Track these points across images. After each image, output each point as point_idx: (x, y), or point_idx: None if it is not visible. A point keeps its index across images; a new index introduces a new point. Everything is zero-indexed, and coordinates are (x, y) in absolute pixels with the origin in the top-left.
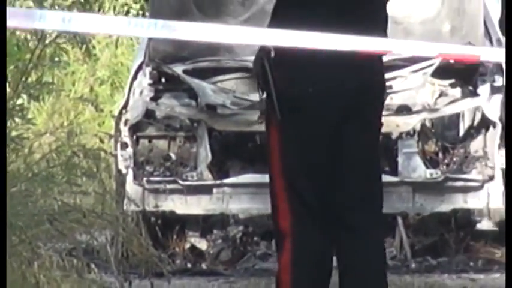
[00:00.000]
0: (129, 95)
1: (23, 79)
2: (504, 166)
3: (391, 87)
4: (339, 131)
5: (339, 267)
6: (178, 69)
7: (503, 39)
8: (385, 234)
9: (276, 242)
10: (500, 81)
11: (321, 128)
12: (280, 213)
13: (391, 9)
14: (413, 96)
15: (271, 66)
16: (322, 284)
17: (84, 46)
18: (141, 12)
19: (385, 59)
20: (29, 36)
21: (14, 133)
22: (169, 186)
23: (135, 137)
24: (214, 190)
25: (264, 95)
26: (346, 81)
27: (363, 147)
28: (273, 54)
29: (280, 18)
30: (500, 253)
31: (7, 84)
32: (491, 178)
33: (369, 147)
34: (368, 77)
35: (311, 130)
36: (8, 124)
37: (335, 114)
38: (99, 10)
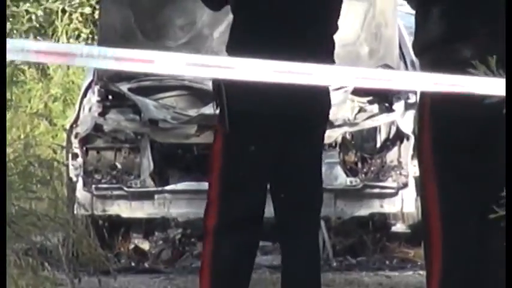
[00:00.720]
0: (79, 110)
1: None
2: (416, 174)
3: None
4: (284, 144)
5: (282, 265)
6: (123, 87)
7: (416, 61)
8: None
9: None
10: (413, 98)
11: (264, 141)
12: (209, 214)
13: None
14: (335, 111)
15: (225, 83)
16: (239, 283)
17: (39, 66)
18: (90, 36)
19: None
20: None
21: None
22: (115, 193)
23: (84, 148)
24: (156, 196)
25: (216, 109)
26: (292, 100)
27: (307, 159)
28: None
29: (235, 41)
30: (412, 253)
31: None
32: (405, 185)
33: (313, 159)
34: (312, 96)
35: (255, 143)
36: None
37: (280, 129)
38: (53, 34)
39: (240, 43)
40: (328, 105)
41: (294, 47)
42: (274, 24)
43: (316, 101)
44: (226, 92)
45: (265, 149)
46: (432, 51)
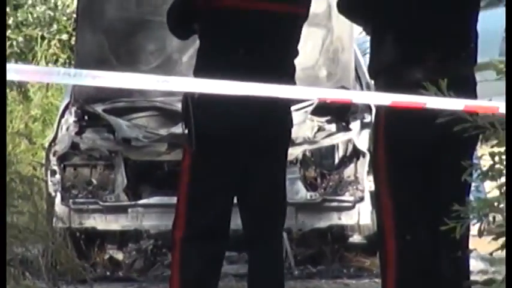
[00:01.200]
0: (57, 130)
1: None
2: (371, 189)
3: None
4: (249, 161)
5: (248, 273)
6: (98, 108)
7: (371, 83)
8: None
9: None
10: (368, 118)
11: (229, 159)
12: (176, 226)
13: None
14: (296, 130)
15: (193, 105)
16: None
17: (20, 89)
18: (67, 61)
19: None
20: None
21: None
22: (91, 207)
23: (62, 165)
24: (129, 210)
25: (184, 128)
26: (256, 120)
27: (272, 175)
28: (196, 95)
29: (201, 66)
30: (368, 262)
31: None
32: (361, 199)
33: (277, 174)
34: (275, 115)
35: (220, 161)
36: None
37: (244, 147)
38: (33, 59)
39: (207, 67)
40: (291, 124)
41: (257, 71)
42: (239, 50)
43: (279, 121)
44: (193, 113)
45: (231, 166)
46: (386, 74)
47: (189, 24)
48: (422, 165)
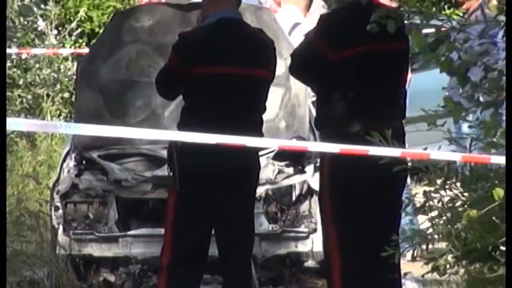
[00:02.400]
0: (60, 172)
1: None
2: None
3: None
4: (224, 199)
5: None
6: (94, 154)
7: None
8: None
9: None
10: None
11: (207, 197)
12: (164, 253)
13: None
14: (260, 173)
15: (177, 152)
16: None
17: (29, 139)
18: (69, 115)
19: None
20: None
21: None
22: (88, 237)
23: (64, 202)
24: (120, 239)
25: (169, 172)
26: (229, 164)
27: (243, 210)
28: (180, 144)
29: (185, 121)
30: (320, 283)
31: None
32: (315, 230)
33: (248, 209)
34: (244, 161)
35: (200, 199)
36: None
37: (220, 187)
38: (39, 114)
39: (189, 122)
40: (258, 168)
41: (232, 126)
42: (217, 108)
43: (248, 165)
44: (177, 159)
45: (210, 203)
46: (330, 126)
47: (173, 88)
48: (361, 201)
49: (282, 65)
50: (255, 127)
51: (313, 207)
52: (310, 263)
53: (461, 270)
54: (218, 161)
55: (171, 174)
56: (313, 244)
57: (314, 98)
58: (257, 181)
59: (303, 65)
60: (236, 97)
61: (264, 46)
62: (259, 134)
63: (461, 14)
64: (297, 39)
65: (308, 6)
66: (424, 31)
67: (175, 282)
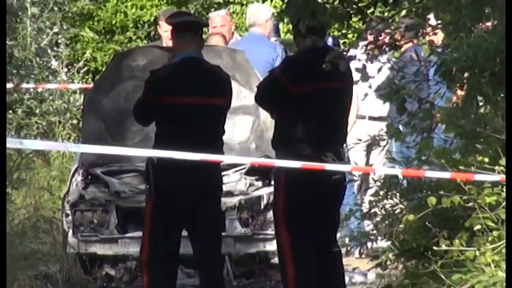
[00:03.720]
0: (70, 185)
1: (9, 177)
2: None
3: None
4: (192, 206)
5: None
6: (98, 171)
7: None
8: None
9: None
10: None
11: (178, 204)
12: (142, 253)
13: (224, 135)
14: (234, 185)
15: (153, 167)
16: None
17: (44, 157)
18: (77, 138)
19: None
20: (12, 152)
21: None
22: (93, 238)
23: (73, 210)
24: (119, 241)
25: (146, 184)
26: (198, 178)
27: (211, 218)
28: (155, 161)
29: (158, 141)
30: None
31: None
32: None
33: (215, 218)
34: (212, 175)
35: (172, 206)
36: None
37: (190, 198)
38: (53, 137)
39: (162, 144)
40: (221, 181)
41: (196, 146)
42: (183, 131)
43: (212, 179)
44: (153, 174)
45: (179, 210)
46: (285, 147)
47: (147, 115)
48: (311, 206)
49: (251, 97)
50: (216, 147)
51: None
52: (275, 260)
53: (400, 266)
54: (188, 175)
55: (147, 186)
56: None
57: None
58: (220, 191)
59: (267, 95)
60: (199, 122)
61: (221, 79)
62: (220, 152)
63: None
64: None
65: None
66: (369, 69)
67: (153, 275)
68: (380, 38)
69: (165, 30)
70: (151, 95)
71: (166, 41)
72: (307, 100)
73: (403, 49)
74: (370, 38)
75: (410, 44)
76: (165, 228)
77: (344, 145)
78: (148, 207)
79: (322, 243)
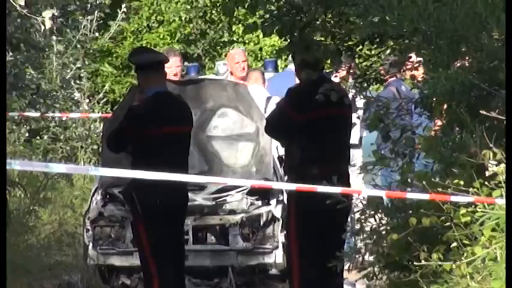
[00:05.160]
0: (90, 203)
1: (37, 196)
2: (283, 241)
3: (225, 200)
4: (180, 221)
5: None
6: (115, 191)
7: (283, 175)
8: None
9: (145, 282)
10: (281, 197)
11: (165, 221)
12: (149, 263)
13: (228, 160)
14: (237, 204)
15: (135, 190)
16: None
17: (68, 178)
18: (97, 161)
19: (222, 185)
20: (39, 174)
21: (31, 224)
22: (111, 251)
23: (93, 226)
24: (134, 253)
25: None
26: (181, 196)
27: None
28: (137, 184)
29: (137, 166)
30: (281, 286)
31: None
32: (277, 247)
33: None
34: (185, 193)
35: (162, 223)
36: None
37: (175, 213)
38: (75, 160)
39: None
40: (187, 199)
41: (177, 170)
42: (163, 157)
43: (185, 200)
44: (137, 196)
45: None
46: (294, 171)
47: (122, 145)
48: (318, 224)
49: (253, 126)
50: (186, 169)
51: (275, 230)
52: (273, 271)
53: (384, 277)
54: (170, 195)
55: (129, 208)
56: (276, 257)
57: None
58: (186, 210)
59: (276, 125)
60: (178, 148)
61: (188, 109)
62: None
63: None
64: (271, 107)
65: (264, 81)
66: (358, 101)
67: (165, 281)
68: (368, 73)
69: (168, 67)
70: (133, 128)
71: (170, 76)
72: (310, 126)
73: (387, 82)
74: (359, 72)
75: (394, 78)
76: (163, 239)
77: (349, 166)
78: (140, 226)
79: (328, 258)
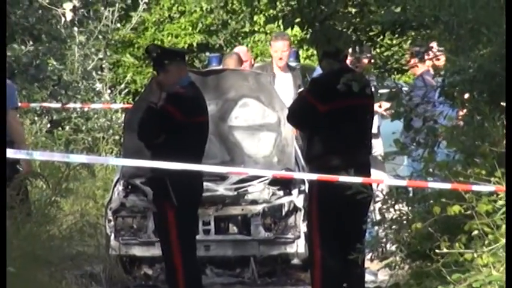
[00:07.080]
0: (112, 194)
1: (59, 187)
2: (305, 230)
3: (247, 190)
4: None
5: None
6: (137, 181)
7: (306, 167)
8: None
9: (168, 273)
10: (303, 187)
11: (195, 211)
12: (174, 255)
13: (249, 150)
14: (259, 195)
15: (170, 179)
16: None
17: (90, 169)
18: (118, 152)
19: (244, 175)
20: (61, 164)
21: (52, 214)
22: (132, 241)
23: (115, 216)
24: (156, 243)
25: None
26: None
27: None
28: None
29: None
30: (303, 275)
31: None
32: (299, 237)
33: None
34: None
35: (194, 213)
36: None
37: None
38: (97, 151)
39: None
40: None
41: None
42: (197, 146)
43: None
44: (171, 184)
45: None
46: (316, 161)
47: (159, 132)
48: (340, 214)
49: (275, 116)
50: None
51: (297, 220)
52: (295, 261)
53: (406, 266)
54: (200, 184)
55: (163, 197)
56: (298, 247)
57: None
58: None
59: (298, 115)
60: (203, 138)
61: (204, 98)
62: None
63: (408, 78)
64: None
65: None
66: (380, 91)
67: (189, 274)
68: (389, 62)
69: (275, 51)
70: (182, 115)
71: (276, 60)
72: (332, 116)
73: (418, 73)
74: (380, 62)
75: (425, 68)
76: (191, 229)
77: (369, 156)
78: (170, 215)
79: (349, 248)
